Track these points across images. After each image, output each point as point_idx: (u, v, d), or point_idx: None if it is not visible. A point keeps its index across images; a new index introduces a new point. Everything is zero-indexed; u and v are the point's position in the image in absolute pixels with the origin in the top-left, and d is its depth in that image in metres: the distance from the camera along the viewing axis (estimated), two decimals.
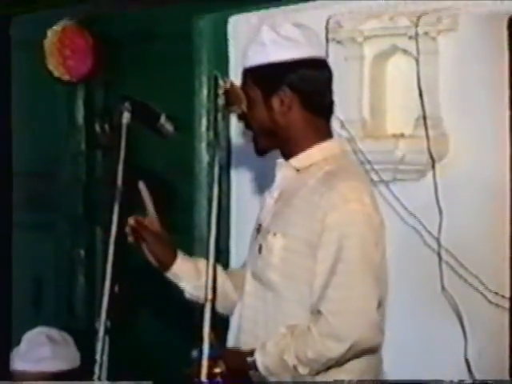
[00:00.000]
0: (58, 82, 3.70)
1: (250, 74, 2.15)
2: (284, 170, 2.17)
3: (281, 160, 2.18)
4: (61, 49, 3.60)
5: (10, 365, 2.92)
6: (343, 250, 2.02)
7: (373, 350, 2.10)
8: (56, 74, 3.66)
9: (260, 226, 2.20)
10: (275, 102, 2.12)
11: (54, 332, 3.01)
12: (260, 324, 2.15)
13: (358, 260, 2.02)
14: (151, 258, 2.29)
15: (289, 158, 2.16)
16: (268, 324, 2.13)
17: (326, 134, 2.18)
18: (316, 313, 2.04)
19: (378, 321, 2.05)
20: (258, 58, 2.13)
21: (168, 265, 2.28)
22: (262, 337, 2.11)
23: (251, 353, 2.08)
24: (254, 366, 2.06)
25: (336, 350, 2.01)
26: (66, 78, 3.67)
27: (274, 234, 2.10)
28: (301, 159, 2.14)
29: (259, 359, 2.06)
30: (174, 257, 2.28)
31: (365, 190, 2.11)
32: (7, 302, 3.62)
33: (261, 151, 2.20)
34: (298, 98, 2.12)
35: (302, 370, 2.04)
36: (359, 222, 2.04)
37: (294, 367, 2.03)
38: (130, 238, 2.26)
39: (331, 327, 2.00)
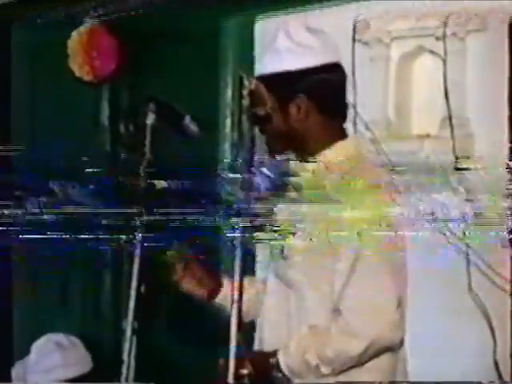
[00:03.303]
0: (79, 82, 3.73)
1: (266, 81, 2.16)
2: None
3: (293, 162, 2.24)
4: (88, 49, 3.63)
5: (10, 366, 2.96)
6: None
7: (392, 349, 2.14)
8: (79, 73, 3.68)
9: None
10: (292, 109, 2.16)
11: (63, 338, 3.02)
12: (282, 324, 2.19)
13: (376, 258, 2.07)
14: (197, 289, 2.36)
15: (302, 159, 2.21)
16: (290, 324, 2.18)
17: (341, 134, 2.23)
18: (336, 312, 2.09)
19: (397, 319, 2.08)
20: (273, 65, 2.17)
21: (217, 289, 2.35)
22: (284, 337, 2.16)
23: (274, 353, 2.12)
24: (277, 366, 2.10)
25: (355, 348, 2.06)
26: (89, 78, 3.69)
27: (295, 234, 2.15)
28: (316, 161, 2.20)
29: (282, 359, 2.10)
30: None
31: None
32: (8, 301, 3.67)
33: (275, 154, 2.22)
34: (314, 104, 2.17)
35: (325, 370, 2.08)
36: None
37: (317, 366, 2.08)
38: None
39: (349, 325, 2.05)
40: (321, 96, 2.18)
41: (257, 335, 2.28)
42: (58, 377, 2.92)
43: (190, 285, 2.36)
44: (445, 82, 2.84)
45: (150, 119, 2.30)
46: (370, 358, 2.11)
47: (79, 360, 3.01)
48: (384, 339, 2.08)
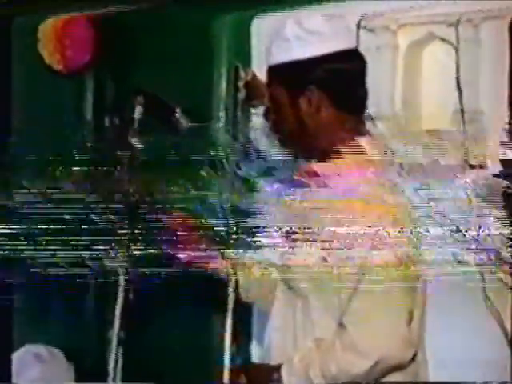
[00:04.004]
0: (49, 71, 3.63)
1: (274, 72, 2.10)
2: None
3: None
4: (61, 37, 3.52)
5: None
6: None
7: (404, 367, 2.05)
8: (48, 61, 3.57)
9: (286, 230, 2.15)
10: (303, 103, 2.07)
11: (42, 349, 3.06)
12: (288, 335, 2.12)
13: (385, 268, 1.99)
14: None
15: (316, 159, 2.13)
16: (296, 334, 2.10)
17: (358, 131, 2.13)
18: (341, 326, 2.01)
19: (407, 336, 2.00)
20: (282, 55, 2.09)
21: None
22: (290, 348, 2.10)
23: (278, 368, 2.06)
24: (278, 381, 2.04)
25: (360, 365, 1.98)
26: (59, 67, 3.58)
27: (301, 240, 2.06)
28: (325, 162, 2.11)
29: (285, 376, 2.04)
30: None
31: (388, 190, 2.08)
32: (8, 301, 3.60)
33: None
34: (326, 96, 2.08)
35: None
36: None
37: None
38: None
39: (354, 342, 1.97)
40: (334, 87, 2.07)
41: (264, 345, 2.22)
42: None
43: None
44: (457, 72, 2.77)
45: (138, 112, 2.29)
46: (379, 377, 2.02)
47: (60, 373, 3.01)
48: (392, 358, 1.99)
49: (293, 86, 2.07)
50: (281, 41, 2.09)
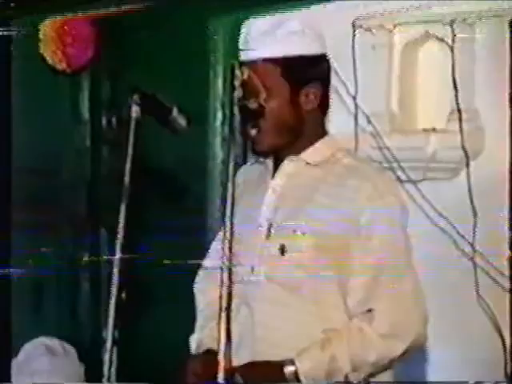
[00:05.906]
0: (52, 71, 3.65)
1: (277, 64, 2.09)
2: (292, 166, 2.16)
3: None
4: (62, 35, 3.54)
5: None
6: (387, 244, 2.05)
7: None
8: (51, 61, 3.59)
9: (269, 225, 2.14)
10: (302, 97, 2.11)
11: (56, 343, 2.99)
12: (278, 330, 2.11)
13: (403, 252, 2.07)
14: None
15: (292, 153, 2.15)
16: (288, 329, 2.10)
17: (326, 130, 2.20)
18: (363, 313, 2.05)
19: (426, 310, 2.08)
20: (292, 47, 2.10)
21: None
22: (279, 344, 2.08)
23: (282, 363, 2.04)
24: (293, 376, 2.02)
25: (398, 349, 2.03)
26: (62, 66, 3.60)
27: (303, 233, 2.08)
28: (312, 153, 2.15)
29: (303, 368, 2.02)
30: None
31: (394, 181, 2.18)
32: (7, 302, 3.62)
33: (268, 151, 2.15)
34: (320, 93, 2.12)
35: (354, 377, 2.03)
36: (398, 214, 2.08)
37: (346, 375, 2.02)
38: None
39: (390, 325, 2.03)
40: (326, 85, 2.15)
41: (240, 344, 2.11)
42: (42, 381, 2.88)
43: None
44: (453, 71, 2.77)
45: (134, 112, 2.22)
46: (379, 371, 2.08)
47: (68, 369, 2.97)
48: (421, 337, 2.07)
49: (298, 79, 2.09)
50: (288, 34, 2.10)
